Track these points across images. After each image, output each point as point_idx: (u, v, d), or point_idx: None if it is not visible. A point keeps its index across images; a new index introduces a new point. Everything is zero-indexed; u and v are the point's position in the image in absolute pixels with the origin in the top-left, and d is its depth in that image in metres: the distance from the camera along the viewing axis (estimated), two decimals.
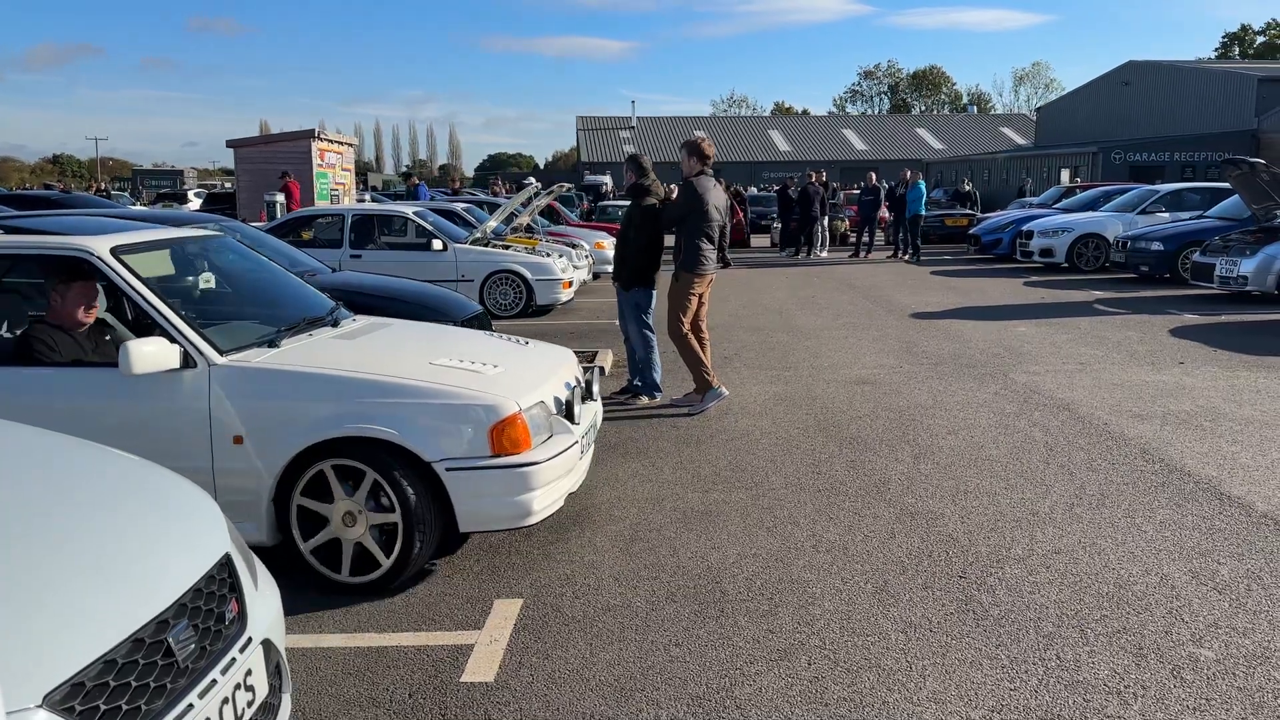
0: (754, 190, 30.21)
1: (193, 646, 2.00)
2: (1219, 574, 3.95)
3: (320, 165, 20.32)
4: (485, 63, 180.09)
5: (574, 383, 4.63)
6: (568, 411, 4.36)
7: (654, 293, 7.28)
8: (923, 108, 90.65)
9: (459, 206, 15.02)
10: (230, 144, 20.82)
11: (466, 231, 12.89)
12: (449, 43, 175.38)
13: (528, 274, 11.98)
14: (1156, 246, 14.26)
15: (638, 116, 64.02)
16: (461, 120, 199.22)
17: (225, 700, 2.04)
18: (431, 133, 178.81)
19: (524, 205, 13.83)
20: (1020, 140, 59.65)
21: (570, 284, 12.51)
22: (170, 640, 1.95)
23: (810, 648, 3.41)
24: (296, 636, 3.51)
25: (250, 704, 2.14)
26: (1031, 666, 3.24)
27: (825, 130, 65.08)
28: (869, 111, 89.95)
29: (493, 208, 17.11)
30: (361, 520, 3.86)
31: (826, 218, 22.95)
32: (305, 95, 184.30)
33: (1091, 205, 18.84)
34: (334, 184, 20.75)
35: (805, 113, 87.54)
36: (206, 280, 4.88)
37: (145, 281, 4.03)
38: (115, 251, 4.10)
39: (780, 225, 23.87)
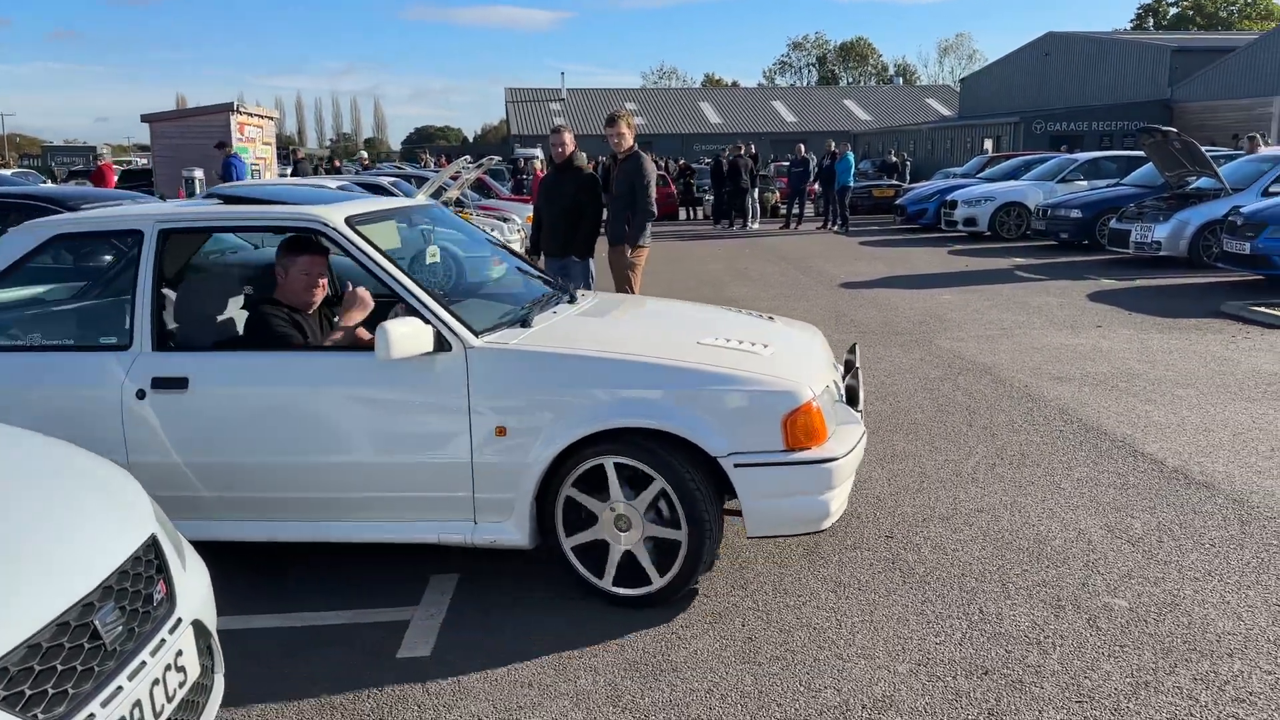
0: (682, 162, 30.24)
1: (120, 629, 1.98)
2: (1132, 528, 4.13)
3: (240, 140, 19.80)
4: (408, 33, 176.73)
5: (837, 364, 4.21)
6: (850, 397, 3.96)
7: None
8: (850, 80, 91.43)
9: (385, 181, 14.79)
10: (145, 119, 20.14)
11: None
12: (369, 12, 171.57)
13: (457, 250, 11.85)
14: (1075, 214, 14.65)
15: (567, 88, 63.44)
16: (386, 92, 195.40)
17: (156, 681, 2.02)
18: (355, 105, 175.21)
19: (453, 179, 13.65)
20: (945, 111, 60.59)
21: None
22: (97, 623, 1.92)
23: (744, 609, 3.49)
24: (229, 618, 3.47)
25: (182, 685, 2.12)
26: (955, 620, 3.36)
27: (755, 102, 65.29)
28: (798, 83, 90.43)
29: (420, 181, 16.86)
30: (636, 528, 3.44)
31: (756, 190, 23.10)
32: (223, 68, 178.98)
33: (1013, 175, 19.24)
34: (254, 159, 20.25)
35: (735, 85, 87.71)
36: (433, 254, 4.59)
37: (385, 254, 3.65)
38: (350, 221, 3.74)
39: (714, 198, 23.96)
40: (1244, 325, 8.68)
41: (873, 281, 12.41)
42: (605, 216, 7.15)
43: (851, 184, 21.43)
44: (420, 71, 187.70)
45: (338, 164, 26.59)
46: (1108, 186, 15.63)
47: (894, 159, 30.47)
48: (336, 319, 4.05)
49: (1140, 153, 14.63)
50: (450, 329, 3.51)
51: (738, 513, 3.47)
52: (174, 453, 3.61)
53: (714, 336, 3.84)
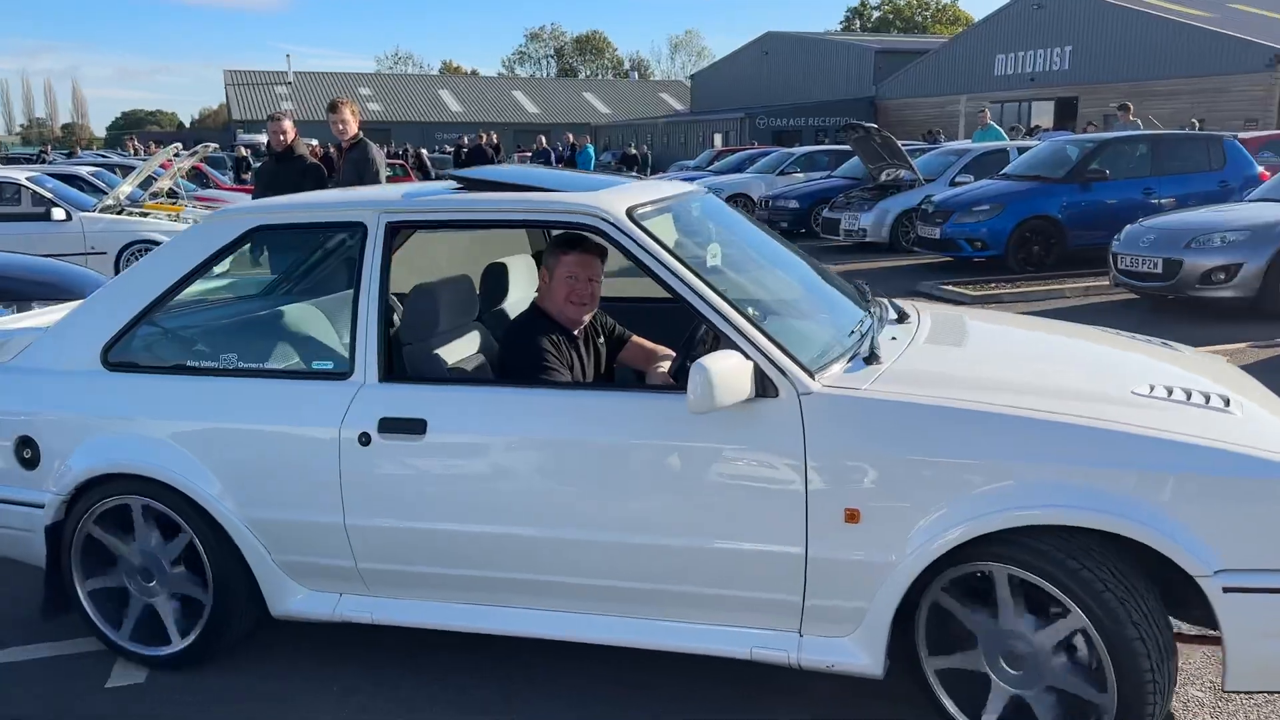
0: (425, 152, 29.60)
1: None
2: None
3: None
4: (110, 8, 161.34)
5: None
6: None
7: None
8: (588, 72, 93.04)
9: (85, 170, 13.47)
10: None
11: (95, 199, 11.61)
12: None
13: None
14: (793, 204, 15.73)
15: (295, 71, 60.31)
16: (86, 74, 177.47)
17: None
18: (50, 87, 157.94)
19: (163, 168, 12.66)
20: (678, 105, 63.01)
21: None
22: None
23: None
24: None
25: None
26: None
27: (496, 91, 64.95)
28: (537, 74, 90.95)
29: (127, 171, 15.50)
30: (1036, 671, 2.47)
31: None
32: None
33: (739, 168, 20.35)
34: None
35: (475, 73, 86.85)
36: (714, 255, 3.31)
37: (683, 260, 2.72)
38: (632, 214, 2.81)
39: None
40: (936, 303, 9.65)
41: (613, 272, 12.71)
42: None
43: None
44: (128, 51, 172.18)
45: (46, 153, 23.77)
46: (821, 178, 16.88)
47: (634, 151, 31.37)
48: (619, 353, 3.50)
49: (847, 147, 15.89)
50: (777, 366, 2.55)
51: (1206, 641, 2.74)
52: (405, 517, 2.83)
53: (1145, 384, 2.72)
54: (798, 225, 15.55)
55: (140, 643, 3.16)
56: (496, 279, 3.60)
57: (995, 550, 2.41)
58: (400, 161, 27.39)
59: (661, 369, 3.32)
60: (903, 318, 3.29)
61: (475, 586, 2.86)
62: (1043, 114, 30.85)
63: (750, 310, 2.69)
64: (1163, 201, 10.55)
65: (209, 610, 3.05)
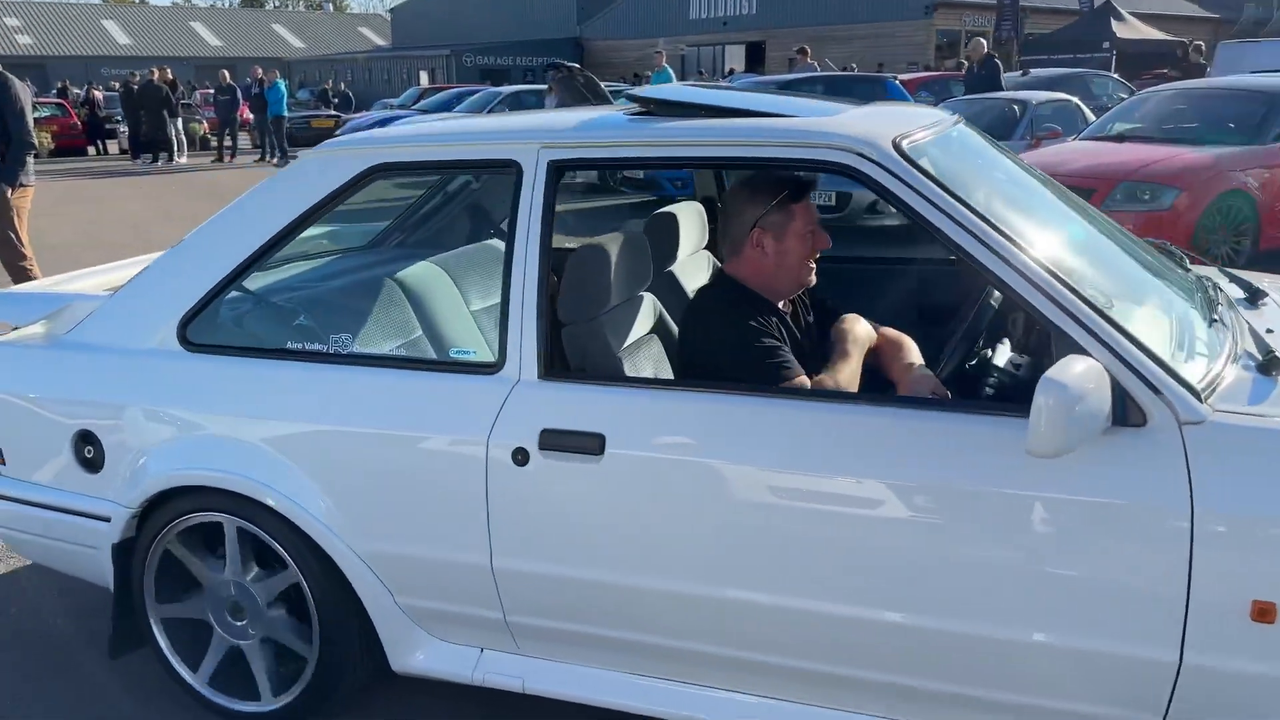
0: (100, 93, 26.49)
1: None
2: None
3: None
4: None
5: None
6: None
7: None
8: (278, 3, 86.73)
9: None
10: None
11: None
12: None
13: None
14: None
15: None
16: None
17: None
18: None
19: None
20: (379, 40, 60.36)
21: None
22: None
23: None
24: None
25: None
26: None
27: (171, 22, 59.00)
28: (219, 4, 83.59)
29: None
30: None
31: (180, 120, 21.12)
32: None
33: (446, 107, 19.89)
34: None
35: (144, 2, 78.43)
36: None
37: (985, 214, 1.90)
38: (901, 147, 2.00)
39: (128, 130, 21.42)
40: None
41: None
42: None
43: (286, 113, 20.53)
44: None
45: None
46: None
47: (342, 87, 29.76)
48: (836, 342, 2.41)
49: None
50: (1149, 382, 1.76)
51: None
52: (573, 562, 2.13)
53: None
54: None
55: (222, 692, 2.54)
56: (663, 235, 2.71)
57: None
58: (62, 101, 24.44)
59: (916, 367, 2.37)
60: (1254, 296, 2.45)
61: (667, 657, 2.17)
62: (735, 58, 32.51)
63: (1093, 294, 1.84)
64: None
65: (313, 666, 2.41)
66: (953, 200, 1.89)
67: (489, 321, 2.67)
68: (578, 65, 13.84)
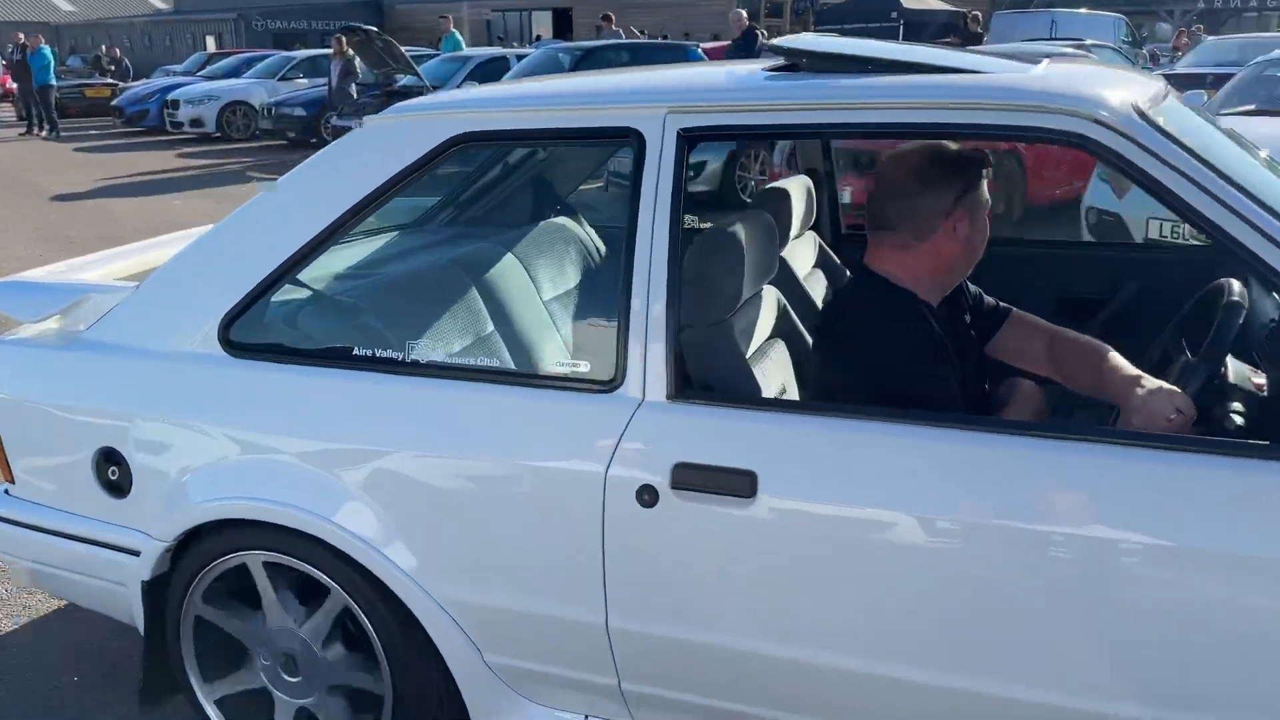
0: None
1: None
2: None
3: None
4: None
5: None
6: None
7: None
8: None
9: None
10: None
11: None
12: None
13: None
14: (299, 112, 14.92)
15: None
16: None
17: None
18: None
19: None
20: (160, 4, 56.07)
21: None
22: None
23: None
24: None
25: None
26: None
27: None
28: None
29: None
30: None
31: None
32: None
33: (235, 73, 18.77)
34: None
35: None
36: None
37: (1254, 194, 1.53)
38: (1145, 113, 1.60)
39: None
40: None
41: (92, 191, 11.27)
42: None
43: (54, 82, 18.79)
44: None
45: None
46: (328, 84, 16.16)
47: (117, 54, 27.44)
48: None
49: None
50: None
51: None
52: (711, 627, 1.75)
53: None
54: (306, 133, 14.81)
55: None
56: (774, 215, 2.32)
57: None
58: None
59: (1151, 393, 1.77)
60: None
61: None
62: (542, 24, 32.15)
63: None
64: None
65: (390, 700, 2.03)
66: (1218, 178, 1.53)
67: (563, 314, 2.36)
68: (374, 29, 13.31)
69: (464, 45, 16.15)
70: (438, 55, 16.11)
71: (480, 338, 2.17)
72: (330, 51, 14.50)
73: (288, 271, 2.02)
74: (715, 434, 1.71)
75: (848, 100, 1.72)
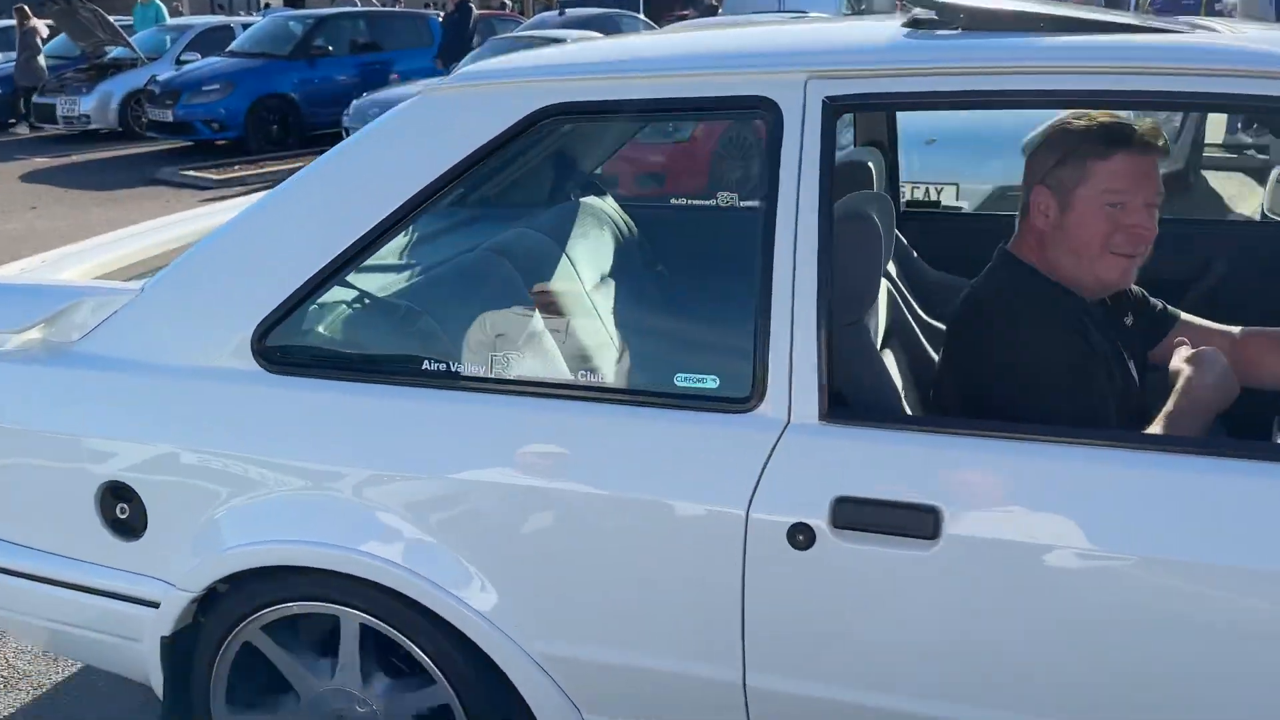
0: None
1: None
2: None
3: None
4: None
5: None
6: None
7: None
8: None
9: None
10: None
11: None
12: None
13: None
14: None
15: None
16: None
17: None
18: None
19: None
20: None
21: None
22: None
23: None
24: None
25: None
26: None
27: None
28: None
29: None
30: None
31: None
32: None
33: None
34: None
35: None
36: None
37: None
38: None
39: None
40: (178, 189, 9.17)
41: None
42: None
43: None
44: None
45: None
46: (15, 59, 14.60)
47: None
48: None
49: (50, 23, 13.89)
50: None
51: None
52: (879, 686, 1.47)
53: None
54: (4, 115, 13.33)
55: None
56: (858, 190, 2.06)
57: None
58: None
59: None
60: None
61: None
62: None
63: None
64: (391, 77, 11.21)
65: None
66: None
67: (604, 306, 2.06)
68: None
69: (165, 15, 14.84)
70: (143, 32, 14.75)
71: (585, 348, 1.82)
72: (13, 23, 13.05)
73: (337, 271, 1.70)
74: (884, 462, 1.46)
75: (1035, 63, 1.44)
